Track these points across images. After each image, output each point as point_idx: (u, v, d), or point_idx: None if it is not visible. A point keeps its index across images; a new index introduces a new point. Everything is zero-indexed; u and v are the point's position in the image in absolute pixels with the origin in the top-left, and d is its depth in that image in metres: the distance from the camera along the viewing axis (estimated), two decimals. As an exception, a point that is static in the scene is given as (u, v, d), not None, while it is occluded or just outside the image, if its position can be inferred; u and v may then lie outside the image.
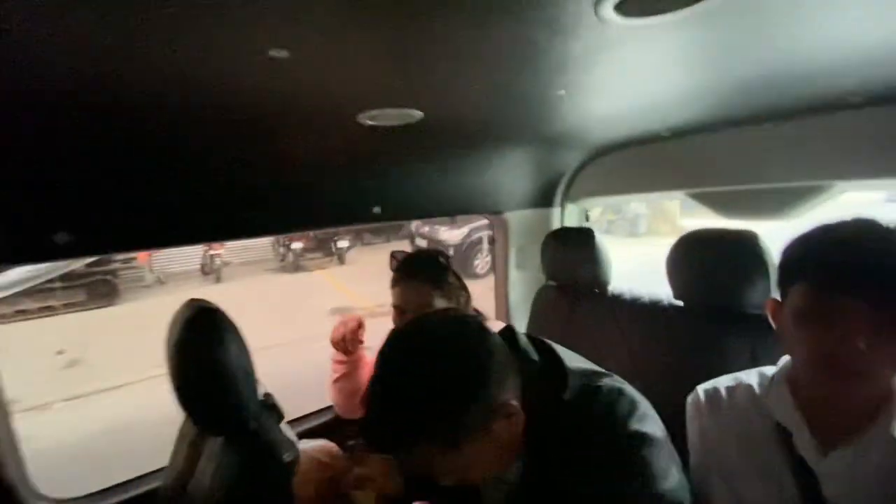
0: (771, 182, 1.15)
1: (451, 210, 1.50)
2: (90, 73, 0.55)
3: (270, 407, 0.87)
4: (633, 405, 0.70)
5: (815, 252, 0.68)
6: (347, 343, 1.28)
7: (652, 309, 1.30)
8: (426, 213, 1.48)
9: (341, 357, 1.30)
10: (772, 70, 0.79)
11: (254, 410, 0.79)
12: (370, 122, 0.87)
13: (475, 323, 0.68)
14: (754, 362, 0.93)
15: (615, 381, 0.74)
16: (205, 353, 0.74)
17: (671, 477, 0.66)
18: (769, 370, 0.84)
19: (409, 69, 0.66)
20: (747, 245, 1.10)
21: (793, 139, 1.09)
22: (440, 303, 1.14)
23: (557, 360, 0.73)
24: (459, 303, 1.20)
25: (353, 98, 0.76)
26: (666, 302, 1.30)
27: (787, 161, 1.12)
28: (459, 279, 1.23)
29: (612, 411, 0.68)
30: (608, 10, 0.49)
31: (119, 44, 0.48)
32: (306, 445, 0.98)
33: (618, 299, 1.39)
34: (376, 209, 1.24)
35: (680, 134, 1.29)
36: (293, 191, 1.12)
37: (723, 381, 0.88)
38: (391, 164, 1.20)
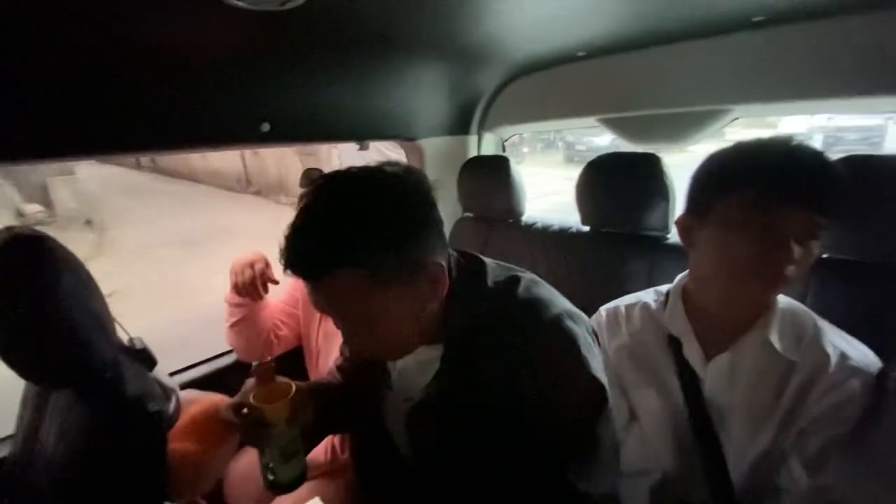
0: (675, 107, 1.17)
1: (359, 134, 1.35)
2: None
3: (137, 353, 0.74)
4: (551, 291, 0.69)
5: (756, 163, 0.68)
6: (257, 286, 1.15)
7: (561, 235, 1.32)
8: (328, 136, 1.31)
9: (239, 300, 1.17)
10: None
11: (107, 358, 0.66)
12: (238, 3, 0.70)
13: (423, 176, 0.64)
14: (651, 282, 0.97)
15: (532, 275, 0.72)
16: (26, 290, 0.58)
17: (596, 358, 0.65)
18: (664, 287, 0.88)
19: None
20: (648, 168, 1.12)
21: (696, 61, 1.10)
22: None
23: (477, 256, 0.73)
24: None
25: None
26: (574, 228, 1.32)
27: (690, 84, 1.13)
28: None
29: (537, 294, 0.67)
30: None
31: None
32: (192, 395, 0.86)
33: (530, 228, 1.39)
34: (265, 126, 1.06)
35: (593, 54, 1.24)
36: (161, 100, 0.90)
37: (623, 301, 0.92)
38: (279, 71, 1.01)
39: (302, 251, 0.58)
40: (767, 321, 0.73)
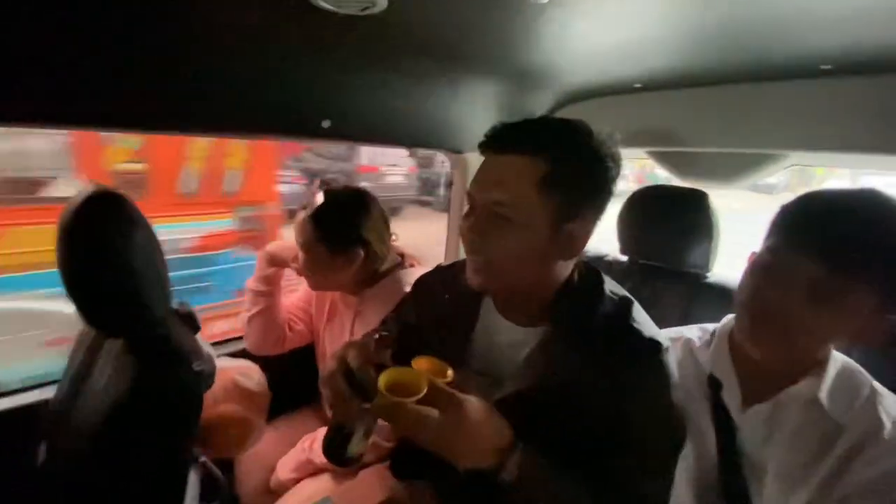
0: (729, 147, 1.16)
1: (410, 140, 1.39)
2: None
3: (185, 316, 0.78)
4: (650, 321, 0.70)
5: (786, 214, 0.69)
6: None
7: (594, 263, 1.32)
8: (383, 139, 1.36)
9: (262, 287, 1.21)
10: (744, 23, 0.76)
11: (162, 314, 0.70)
12: (324, 5, 0.75)
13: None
14: (685, 320, 0.95)
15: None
16: (102, 240, 0.63)
17: (676, 389, 0.67)
18: (711, 326, 0.86)
19: None
20: (694, 204, 1.11)
21: (757, 103, 1.09)
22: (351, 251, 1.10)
23: (596, 268, 0.76)
24: (383, 241, 1.15)
25: None
26: (611, 257, 1.32)
27: (745, 126, 1.12)
28: (385, 218, 1.17)
29: (648, 321, 0.69)
30: None
31: None
32: (226, 363, 0.91)
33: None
34: (325, 123, 1.12)
35: (650, 87, 1.26)
36: (233, 85, 0.97)
37: (667, 334, 0.90)
38: (345, 71, 1.07)
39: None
40: (818, 377, 0.70)
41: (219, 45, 0.90)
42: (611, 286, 0.72)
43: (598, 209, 0.66)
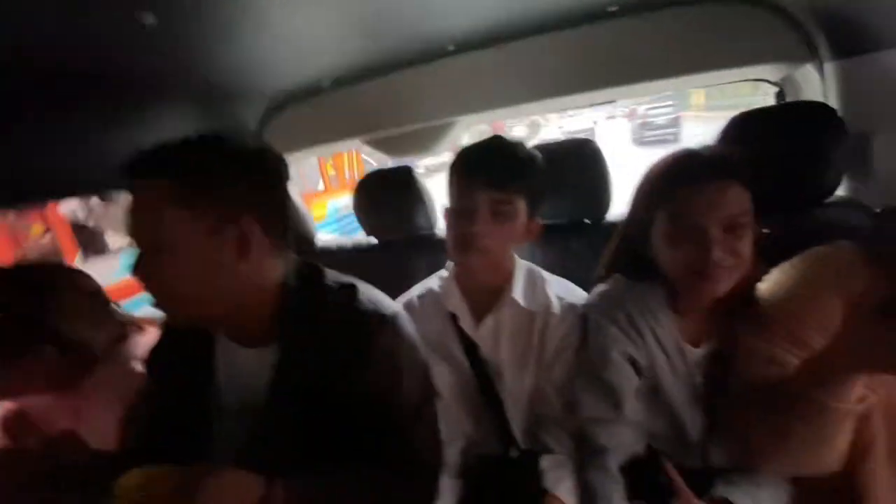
0: (417, 123, 1.35)
1: (93, 187, 1.16)
2: None
3: None
4: (378, 294, 0.74)
5: (455, 159, 0.87)
6: None
7: (356, 250, 1.41)
8: (84, 190, 1.11)
9: None
10: (386, 9, 0.88)
11: None
12: None
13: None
14: (425, 275, 1.10)
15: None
16: None
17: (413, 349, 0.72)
18: (444, 272, 1.00)
19: None
20: (405, 179, 1.28)
21: (425, 83, 1.29)
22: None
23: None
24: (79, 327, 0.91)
25: None
26: (365, 242, 1.41)
27: (425, 103, 1.32)
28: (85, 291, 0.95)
29: (364, 296, 0.71)
30: None
31: None
32: None
33: (325, 251, 1.44)
34: None
35: (342, 82, 1.35)
36: None
37: (415, 291, 1.01)
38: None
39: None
40: (510, 283, 0.90)
41: None
42: (332, 276, 0.74)
43: (262, 206, 0.64)
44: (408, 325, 0.73)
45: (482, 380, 0.91)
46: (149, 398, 0.79)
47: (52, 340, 0.83)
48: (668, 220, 0.71)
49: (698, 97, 17.42)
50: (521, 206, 0.83)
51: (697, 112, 17.05)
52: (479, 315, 0.92)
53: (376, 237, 1.37)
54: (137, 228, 0.60)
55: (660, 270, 0.76)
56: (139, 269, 0.61)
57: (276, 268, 0.67)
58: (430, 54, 1.22)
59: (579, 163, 1.10)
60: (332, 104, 1.42)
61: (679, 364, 0.78)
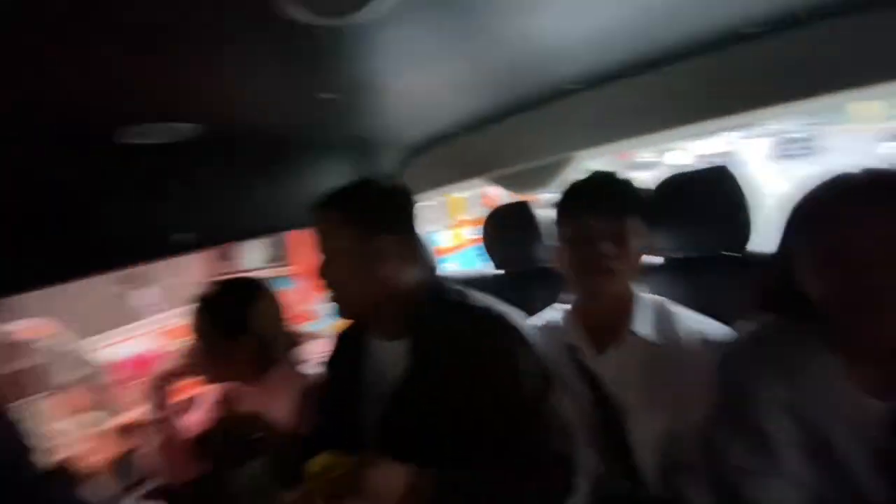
0: (536, 160, 1.42)
1: (275, 226, 1.47)
2: None
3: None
4: (505, 311, 0.83)
5: (563, 196, 0.94)
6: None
7: (481, 280, 1.49)
8: (247, 233, 1.42)
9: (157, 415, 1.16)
10: (514, 60, 0.96)
11: None
12: (137, 141, 0.83)
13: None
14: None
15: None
16: None
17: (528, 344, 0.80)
18: (563, 305, 1.03)
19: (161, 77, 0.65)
20: (525, 214, 1.35)
21: (544, 122, 1.35)
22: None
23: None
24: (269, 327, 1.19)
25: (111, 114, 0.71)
26: (490, 274, 1.50)
27: (541, 142, 1.39)
28: (275, 301, 1.22)
29: (483, 308, 0.83)
30: (301, 15, 0.53)
31: None
32: None
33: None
34: (177, 236, 1.14)
35: (470, 128, 1.49)
36: (63, 230, 0.97)
37: (534, 321, 1.04)
38: (185, 185, 1.12)
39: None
40: (632, 315, 0.89)
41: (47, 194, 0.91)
42: (452, 286, 0.89)
43: (397, 227, 0.84)
44: (521, 321, 0.83)
45: (607, 416, 0.89)
46: (322, 391, 1.00)
47: (251, 335, 1.10)
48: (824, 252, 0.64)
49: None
50: (632, 234, 0.86)
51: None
52: (600, 348, 0.91)
53: (503, 269, 1.45)
54: (320, 244, 0.84)
55: (819, 308, 0.67)
56: (321, 273, 0.84)
57: (408, 276, 0.84)
58: (554, 93, 1.28)
59: (714, 191, 1.04)
60: (460, 147, 1.57)
61: (855, 419, 0.66)
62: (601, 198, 0.87)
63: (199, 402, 1.28)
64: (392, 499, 0.67)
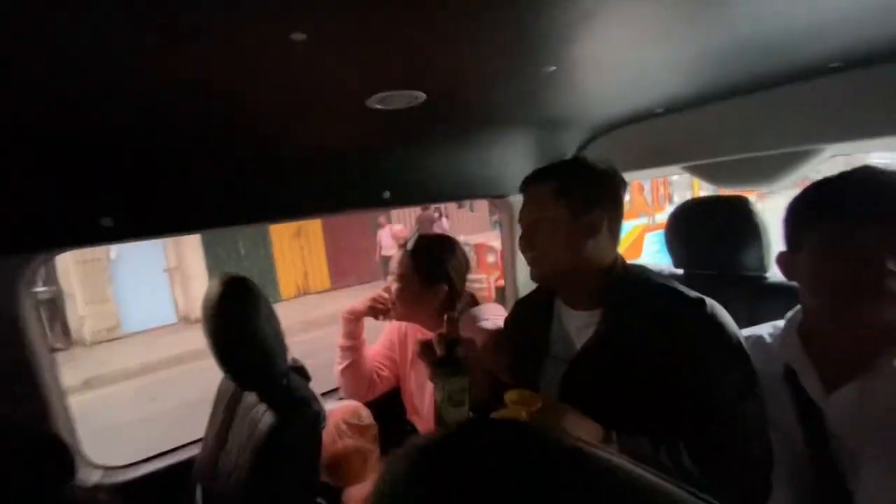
0: (760, 150, 1.20)
1: (458, 194, 1.57)
2: (121, 71, 0.62)
3: (298, 370, 0.95)
4: (718, 305, 0.82)
5: (830, 195, 0.74)
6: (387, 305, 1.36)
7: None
8: (434, 198, 1.55)
9: (348, 342, 1.38)
10: (751, 38, 0.83)
11: (283, 368, 0.88)
12: (378, 106, 0.95)
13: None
14: (752, 321, 0.98)
15: None
16: (240, 315, 0.83)
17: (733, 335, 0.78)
18: (780, 322, 0.88)
19: (412, 53, 0.73)
20: (740, 211, 1.15)
21: (778, 107, 1.14)
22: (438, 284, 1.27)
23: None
24: (464, 280, 1.33)
25: (363, 82, 0.83)
26: (667, 271, 1.36)
27: (773, 129, 1.17)
28: (467, 261, 1.35)
29: (684, 292, 0.83)
30: None
31: (149, 45, 0.55)
32: (333, 405, 1.07)
33: None
34: (386, 194, 1.32)
35: (672, 109, 1.34)
36: (308, 176, 1.20)
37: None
38: (398, 149, 1.27)
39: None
40: (894, 350, 0.70)
41: (298, 146, 1.14)
42: (652, 272, 0.90)
43: (608, 205, 0.88)
44: (726, 313, 0.79)
45: (821, 461, 0.73)
46: (503, 344, 1.08)
47: (446, 281, 1.26)
48: None
49: None
50: None
51: None
52: (832, 379, 0.75)
53: (685, 269, 1.30)
54: (529, 213, 0.90)
55: None
56: (528, 238, 0.90)
57: (611, 252, 0.89)
58: (792, 75, 1.07)
59: None
60: (655, 130, 1.44)
61: None
62: (888, 204, 0.68)
63: (388, 337, 1.50)
64: None
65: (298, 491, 0.83)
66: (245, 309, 0.84)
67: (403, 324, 1.44)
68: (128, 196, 0.98)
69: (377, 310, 1.35)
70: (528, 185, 0.93)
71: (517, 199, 1.70)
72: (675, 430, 0.74)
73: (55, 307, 6.49)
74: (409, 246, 1.31)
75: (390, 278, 1.35)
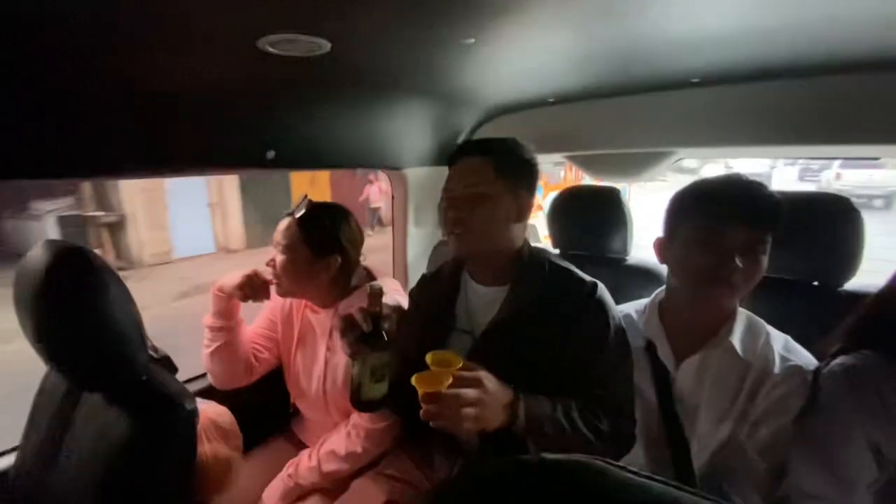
0: (628, 147, 1.37)
1: (351, 162, 1.46)
2: None
3: (161, 360, 0.79)
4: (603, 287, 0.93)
5: (705, 196, 0.86)
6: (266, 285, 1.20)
7: None
8: (324, 164, 1.41)
9: (218, 322, 1.20)
10: (634, 47, 0.93)
11: (143, 361, 0.71)
12: (272, 50, 0.81)
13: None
14: (613, 297, 1.13)
15: None
16: (78, 297, 0.64)
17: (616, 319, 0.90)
18: (645, 301, 1.03)
19: None
20: (611, 200, 1.31)
21: (647, 110, 1.31)
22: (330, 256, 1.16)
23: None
24: (358, 252, 1.23)
25: (256, 18, 0.69)
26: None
27: (643, 129, 1.34)
28: (360, 232, 1.24)
29: (580, 276, 0.93)
30: None
31: None
32: (200, 404, 0.92)
33: None
34: (270, 154, 1.15)
35: (563, 100, 1.44)
36: (185, 126, 0.98)
37: None
38: (290, 106, 1.12)
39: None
40: (731, 328, 0.87)
41: (171, 88, 0.92)
42: (552, 255, 0.98)
43: (533, 190, 0.94)
44: (610, 297, 0.92)
45: (668, 416, 0.90)
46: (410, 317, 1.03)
47: (339, 252, 1.15)
48: None
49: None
50: (766, 251, 0.82)
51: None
52: (681, 351, 0.92)
53: (561, 250, 1.44)
54: (464, 187, 0.89)
55: None
56: (452, 213, 0.90)
57: (522, 233, 0.95)
58: (664, 84, 1.23)
59: (828, 220, 1.01)
60: (543, 119, 1.53)
61: None
62: (749, 209, 0.81)
63: (267, 316, 1.33)
64: (498, 407, 0.75)
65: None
66: (87, 289, 0.65)
67: (287, 301, 1.30)
68: None
69: (252, 288, 1.18)
70: (463, 156, 0.92)
71: (413, 173, 1.68)
72: (568, 391, 0.84)
73: (119, 230, 7.35)
74: (297, 213, 1.15)
75: (277, 248, 1.17)
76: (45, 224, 7.43)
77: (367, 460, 1.13)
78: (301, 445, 1.31)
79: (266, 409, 1.28)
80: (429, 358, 0.76)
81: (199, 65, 0.86)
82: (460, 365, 0.76)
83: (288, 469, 1.18)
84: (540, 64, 1.10)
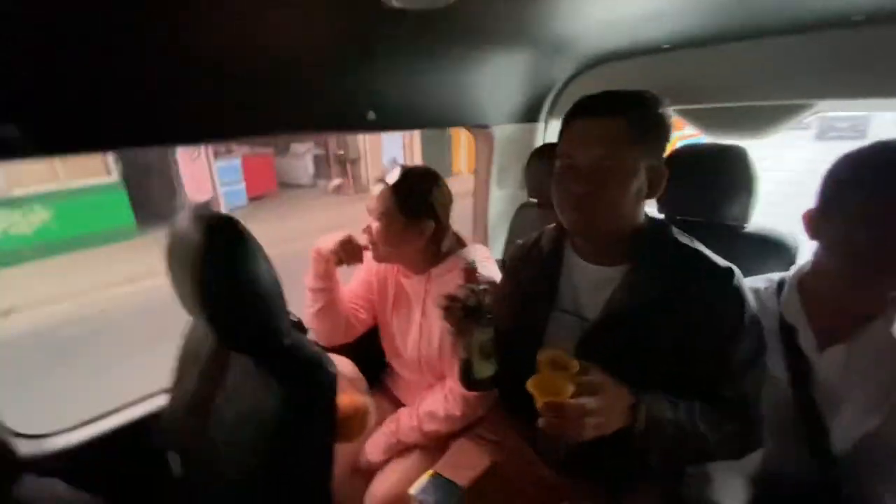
0: (757, 100, 1.21)
1: (443, 121, 1.40)
2: None
3: (297, 324, 0.82)
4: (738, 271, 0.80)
5: (879, 173, 0.72)
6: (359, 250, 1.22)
7: None
8: (418, 124, 1.37)
9: (320, 284, 1.24)
10: None
11: (285, 326, 0.74)
12: (396, 4, 0.75)
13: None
14: None
15: None
16: (240, 265, 0.66)
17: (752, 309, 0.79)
18: (776, 276, 0.93)
19: None
20: (737, 160, 1.17)
21: (778, 57, 1.13)
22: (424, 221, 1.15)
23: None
24: (449, 218, 1.21)
25: None
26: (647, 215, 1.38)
27: (771, 79, 1.17)
28: (451, 197, 1.21)
29: (713, 260, 0.80)
30: None
31: None
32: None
33: None
34: (371, 115, 1.12)
35: (672, 47, 1.28)
36: (286, 89, 0.96)
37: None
38: (394, 64, 1.07)
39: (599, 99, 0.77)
40: (891, 317, 0.76)
41: (287, 53, 0.90)
42: (675, 232, 0.84)
43: (663, 157, 0.80)
44: (746, 284, 0.79)
45: (805, 406, 0.83)
46: (504, 292, 1.00)
47: (432, 217, 1.14)
48: None
49: None
50: None
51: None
52: (823, 337, 0.82)
53: (667, 214, 1.33)
54: (588, 151, 0.75)
55: None
56: (577, 184, 0.76)
57: (642, 212, 0.83)
58: (814, 23, 1.05)
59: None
60: (652, 68, 1.38)
61: None
62: None
63: (364, 278, 1.37)
64: (620, 412, 0.70)
65: (314, 469, 0.74)
66: (237, 257, 0.67)
67: (381, 265, 1.31)
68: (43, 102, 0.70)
69: (346, 252, 1.20)
70: (587, 114, 0.76)
71: (499, 131, 1.60)
72: (690, 389, 0.76)
73: (356, 165, 9.20)
74: (391, 179, 1.13)
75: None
76: (305, 161, 9.85)
77: (465, 423, 1.17)
78: (396, 401, 1.38)
79: (364, 366, 1.33)
80: (542, 358, 0.72)
81: (318, 26, 0.82)
82: (577, 368, 0.70)
83: (389, 425, 1.24)
84: (649, 8, 0.97)
